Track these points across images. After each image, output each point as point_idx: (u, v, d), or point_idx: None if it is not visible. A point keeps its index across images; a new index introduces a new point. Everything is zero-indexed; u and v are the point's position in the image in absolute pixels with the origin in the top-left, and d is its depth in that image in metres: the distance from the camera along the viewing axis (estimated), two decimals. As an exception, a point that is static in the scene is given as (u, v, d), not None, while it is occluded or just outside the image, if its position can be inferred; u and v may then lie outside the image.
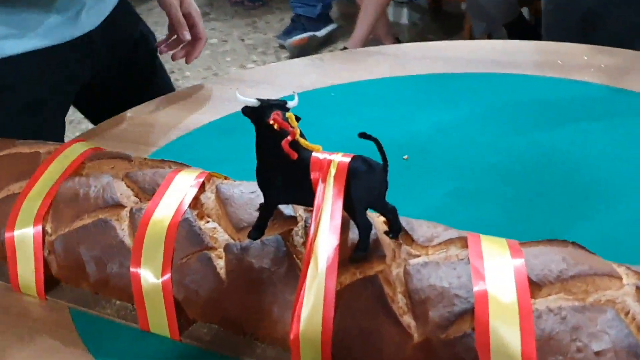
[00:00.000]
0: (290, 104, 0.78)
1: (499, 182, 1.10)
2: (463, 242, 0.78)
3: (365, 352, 0.72)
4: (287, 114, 0.76)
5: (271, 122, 0.75)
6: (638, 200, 1.03)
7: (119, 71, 1.61)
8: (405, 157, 1.14)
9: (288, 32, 3.39)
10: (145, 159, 1.01)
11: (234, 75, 1.53)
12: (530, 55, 1.54)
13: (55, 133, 1.51)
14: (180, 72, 3.34)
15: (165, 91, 1.59)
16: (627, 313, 0.67)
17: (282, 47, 3.35)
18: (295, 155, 0.75)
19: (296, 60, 1.58)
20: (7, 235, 0.89)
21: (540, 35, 1.96)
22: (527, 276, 0.70)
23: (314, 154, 0.77)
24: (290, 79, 1.52)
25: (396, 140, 1.12)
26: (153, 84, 1.69)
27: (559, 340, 0.65)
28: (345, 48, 3.26)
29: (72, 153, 0.97)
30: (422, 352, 0.69)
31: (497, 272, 0.71)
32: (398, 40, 3.26)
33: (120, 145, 1.15)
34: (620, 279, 0.72)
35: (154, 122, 1.38)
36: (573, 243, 0.79)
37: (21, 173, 0.95)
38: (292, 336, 0.73)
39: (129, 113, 1.42)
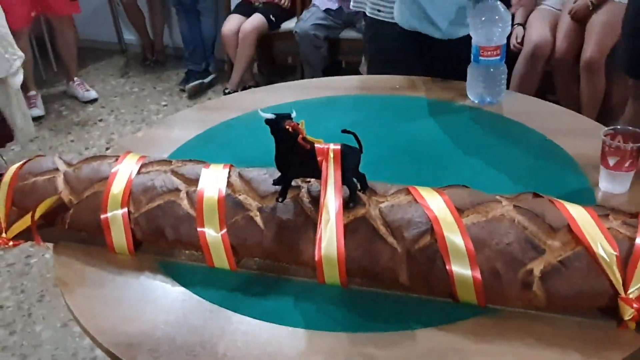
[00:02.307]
0: (293, 116, 0.85)
1: (394, 158, 1.17)
2: (406, 192, 0.88)
3: (369, 263, 0.82)
4: (300, 121, 0.84)
5: (287, 127, 0.84)
6: (458, 164, 1.15)
7: None
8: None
9: (185, 81, 3.61)
10: (180, 160, 1.03)
11: (198, 106, 1.51)
12: (377, 82, 1.57)
13: None
14: (117, 110, 3.39)
15: None
16: (513, 220, 0.79)
17: (182, 90, 3.56)
18: (308, 146, 0.84)
19: (234, 94, 1.55)
20: (103, 216, 0.92)
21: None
22: (453, 205, 0.82)
23: (316, 145, 0.85)
24: (237, 104, 1.49)
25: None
26: None
27: (484, 239, 0.78)
28: (226, 89, 3.46)
29: (131, 160, 0.99)
30: (405, 258, 0.80)
31: (436, 205, 0.82)
32: (257, 84, 3.43)
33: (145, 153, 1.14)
34: (501, 202, 0.84)
35: (157, 139, 1.36)
36: (463, 186, 0.90)
37: (98, 177, 0.97)
38: (317, 259, 0.82)
39: (139, 134, 1.40)
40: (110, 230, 0.92)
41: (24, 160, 1.07)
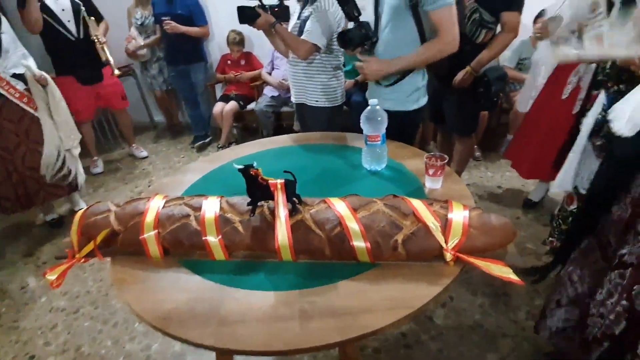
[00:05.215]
0: (254, 164, 0.81)
1: (315, 181, 1.13)
2: (324, 202, 0.84)
3: (307, 245, 0.79)
4: (259, 168, 0.80)
5: (252, 173, 0.80)
6: (349, 180, 1.12)
7: None
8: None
9: (194, 142, 3.39)
10: (189, 195, 0.94)
11: (201, 159, 1.31)
12: (303, 137, 1.53)
13: None
14: (154, 163, 3.12)
15: None
16: (384, 212, 0.79)
17: (192, 148, 3.33)
18: (264, 183, 0.80)
19: (223, 150, 1.38)
20: (141, 237, 0.83)
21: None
22: (351, 207, 0.81)
23: (270, 181, 0.81)
24: (225, 156, 1.31)
25: (279, 171, 0.99)
26: None
27: (369, 225, 0.77)
28: (219, 147, 3.21)
29: (158, 199, 0.90)
30: (327, 241, 0.78)
31: (341, 208, 0.81)
32: (236, 141, 3.29)
33: (168, 192, 1.03)
34: (376, 202, 0.83)
35: (176, 182, 1.19)
36: (355, 194, 0.87)
37: (137, 212, 0.88)
38: (276, 246, 0.78)
39: (165, 179, 1.25)
40: (147, 245, 0.83)
41: (89, 205, 0.95)
